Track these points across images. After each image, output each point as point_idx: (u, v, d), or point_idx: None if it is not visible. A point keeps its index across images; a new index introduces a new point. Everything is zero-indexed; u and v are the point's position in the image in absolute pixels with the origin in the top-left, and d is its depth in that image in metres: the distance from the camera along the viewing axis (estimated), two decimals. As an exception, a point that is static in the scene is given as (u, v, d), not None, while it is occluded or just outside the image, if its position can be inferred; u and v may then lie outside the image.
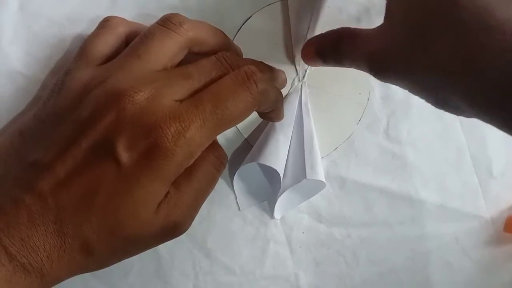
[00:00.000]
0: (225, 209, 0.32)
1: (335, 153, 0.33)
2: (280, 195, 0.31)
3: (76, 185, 0.20)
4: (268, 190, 0.32)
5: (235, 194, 0.32)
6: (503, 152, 0.36)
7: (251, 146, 0.32)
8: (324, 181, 0.31)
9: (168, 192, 0.22)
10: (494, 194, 0.36)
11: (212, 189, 0.25)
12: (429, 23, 0.19)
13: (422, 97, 0.21)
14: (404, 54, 0.20)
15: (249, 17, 0.30)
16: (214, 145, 0.24)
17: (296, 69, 0.32)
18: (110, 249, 0.21)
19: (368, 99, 0.33)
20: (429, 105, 0.21)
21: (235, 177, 0.31)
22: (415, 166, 0.34)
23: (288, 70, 0.31)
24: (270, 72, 0.27)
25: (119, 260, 0.23)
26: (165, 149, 0.20)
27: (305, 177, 0.30)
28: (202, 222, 0.32)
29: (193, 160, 0.22)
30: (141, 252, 0.23)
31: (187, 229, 0.23)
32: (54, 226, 0.20)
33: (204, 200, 0.24)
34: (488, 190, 0.36)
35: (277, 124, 0.31)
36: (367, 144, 0.33)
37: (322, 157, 0.32)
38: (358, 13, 0.33)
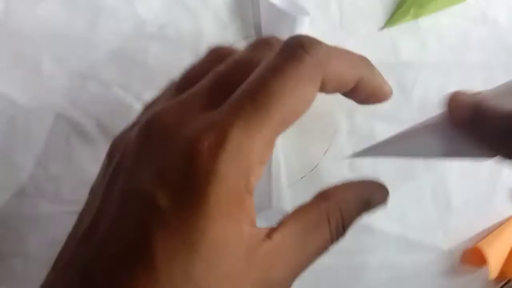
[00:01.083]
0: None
1: (301, 182, 0.34)
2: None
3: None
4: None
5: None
6: (462, 188, 0.37)
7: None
8: (289, 210, 0.31)
9: (254, 237, 0.16)
10: (452, 227, 0.38)
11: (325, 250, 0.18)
12: None
13: None
14: None
15: (224, 49, 0.32)
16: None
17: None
18: None
19: (335, 132, 0.34)
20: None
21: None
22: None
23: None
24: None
25: None
26: (204, 172, 0.15)
27: (271, 206, 0.31)
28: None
29: (255, 179, 0.16)
30: None
31: None
32: None
33: (313, 260, 0.18)
34: (446, 223, 0.37)
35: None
36: (332, 175, 0.35)
37: (288, 186, 0.33)
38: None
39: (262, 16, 0.31)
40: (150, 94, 0.31)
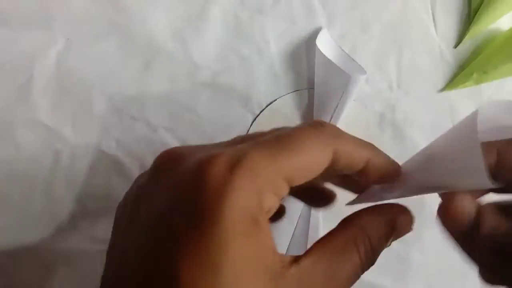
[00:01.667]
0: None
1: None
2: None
3: None
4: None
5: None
6: None
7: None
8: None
9: (279, 262, 0.16)
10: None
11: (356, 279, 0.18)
12: None
13: None
14: None
15: (275, 100, 0.31)
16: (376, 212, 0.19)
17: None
18: None
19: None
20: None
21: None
22: (419, 269, 0.33)
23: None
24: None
25: None
26: (218, 185, 0.15)
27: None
28: None
29: (268, 205, 0.16)
30: None
31: None
32: None
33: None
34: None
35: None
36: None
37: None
38: (382, 109, 0.33)
39: (317, 71, 0.30)
40: (195, 139, 0.31)
